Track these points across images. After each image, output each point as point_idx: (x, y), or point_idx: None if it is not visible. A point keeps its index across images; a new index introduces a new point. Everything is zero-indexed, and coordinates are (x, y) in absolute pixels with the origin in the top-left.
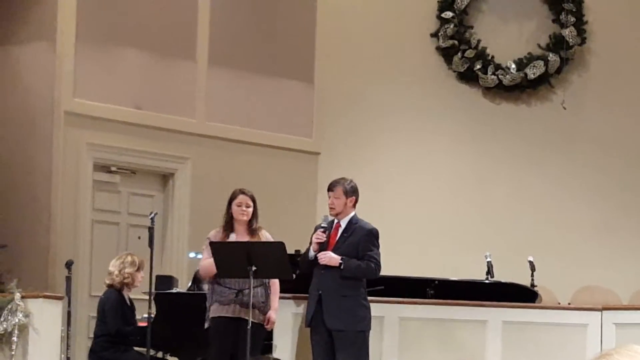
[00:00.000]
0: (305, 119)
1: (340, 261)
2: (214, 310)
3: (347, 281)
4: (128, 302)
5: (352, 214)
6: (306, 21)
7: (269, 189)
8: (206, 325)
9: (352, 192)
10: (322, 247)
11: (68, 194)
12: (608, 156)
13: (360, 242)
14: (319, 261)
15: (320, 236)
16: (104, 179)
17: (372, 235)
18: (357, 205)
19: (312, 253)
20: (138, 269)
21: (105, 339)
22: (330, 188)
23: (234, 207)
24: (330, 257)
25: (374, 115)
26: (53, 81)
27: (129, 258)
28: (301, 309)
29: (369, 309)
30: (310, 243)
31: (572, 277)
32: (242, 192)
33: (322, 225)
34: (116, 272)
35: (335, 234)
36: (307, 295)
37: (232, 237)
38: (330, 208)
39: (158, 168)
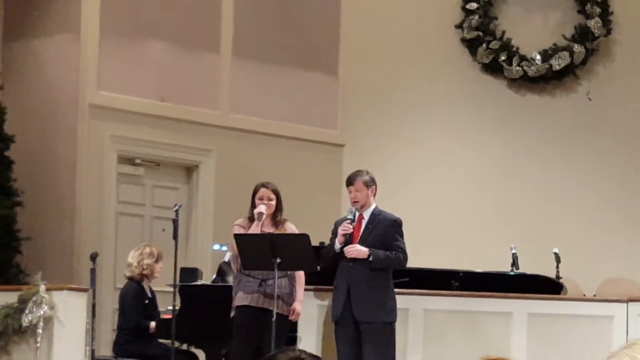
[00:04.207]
0: (329, 111)
1: (369, 253)
2: (239, 299)
3: (376, 273)
4: (149, 293)
5: (374, 205)
6: (330, 13)
7: (293, 181)
8: (232, 314)
9: (372, 182)
10: (347, 239)
11: (92, 186)
12: (633, 147)
13: (387, 233)
14: (347, 254)
15: (347, 227)
16: (128, 171)
17: (397, 225)
18: (382, 197)
19: (337, 246)
20: (157, 260)
21: (128, 331)
22: (351, 182)
23: (257, 201)
24: (358, 250)
25: (399, 106)
26: (77, 74)
27: (147, 249)
28: (326, 301)
29: (395, 300)
30: (332, 237)
31: (598, 268)
32: (264, 185)
33: (349, 217)
34: (135, 264)
35: (359, 226)
36: (331, 287)
37: (255, 228)
38: (354, 202)
39: (182, 160)
